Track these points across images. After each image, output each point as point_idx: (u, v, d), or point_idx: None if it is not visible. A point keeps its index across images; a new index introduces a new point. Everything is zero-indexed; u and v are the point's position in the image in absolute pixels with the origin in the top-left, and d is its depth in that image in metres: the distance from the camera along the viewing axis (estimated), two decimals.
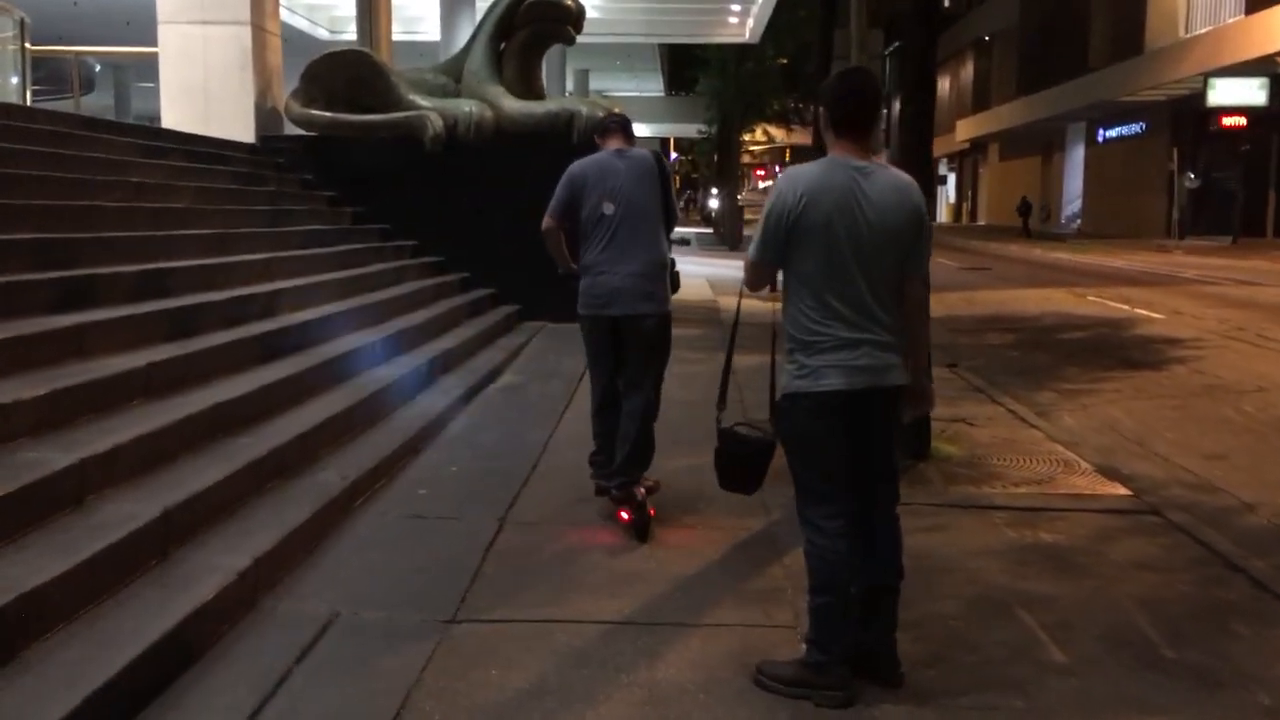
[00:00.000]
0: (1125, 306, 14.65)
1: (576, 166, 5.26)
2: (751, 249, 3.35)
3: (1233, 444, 7.21)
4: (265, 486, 4.91)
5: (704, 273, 19.50)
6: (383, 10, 16.56)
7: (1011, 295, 16.92)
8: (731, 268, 22.39)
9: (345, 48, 13.40)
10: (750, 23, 24.19)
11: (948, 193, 61.74)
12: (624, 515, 5.11)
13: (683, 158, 68.54)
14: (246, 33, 12.02)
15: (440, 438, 6.77)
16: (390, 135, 12.11)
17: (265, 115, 12.36)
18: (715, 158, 41.79)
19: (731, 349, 3.90)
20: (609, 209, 5.10)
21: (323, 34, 24.33)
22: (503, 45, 12.70)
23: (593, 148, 5.47)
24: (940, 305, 15.76)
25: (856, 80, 3.33)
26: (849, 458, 3.32)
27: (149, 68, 15.58)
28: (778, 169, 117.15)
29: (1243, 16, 30.89)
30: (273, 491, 4.91)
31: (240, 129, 12.02)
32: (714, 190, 46.61)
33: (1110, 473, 6.23)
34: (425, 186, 12.21)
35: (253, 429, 5.34)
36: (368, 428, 6.37)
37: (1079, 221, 44.87)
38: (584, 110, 12.07)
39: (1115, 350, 11.13)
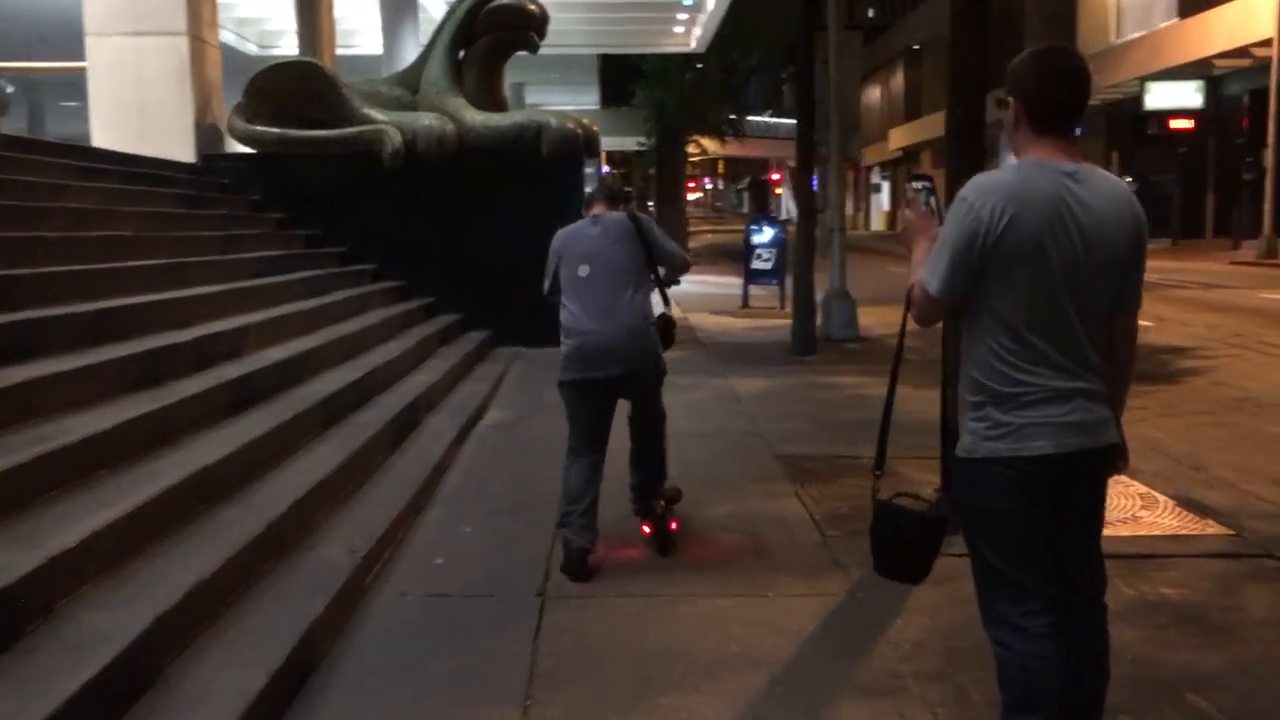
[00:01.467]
0: None
1: (556, 236, 5.23)
2: (930, 278, 2.66)
3: None
4: (263, 569, 4.11)
5: None
6: (324, 21, 15.68)
7: None
8: (692, 281, 21.69)
9: (292, 58, 12.53)
10: (697, 31, 23.66)
11: (881, 201, 61.94)
12: (646, 529, 5.12)
13: (615, 171, 68.08)
14: (184, 44, 11.12)
15: (442, 490, 5.99)
16: (345, 151, 11.28)
17: (206, 132, 11.45)
18: (653, 170, 41.31)
19: (892, 398, 3.13)
20: (584, 270, 4.99)
21: (251, 49, 23.30)
22: (461, 54, 11.93)
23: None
24: None
25: (1061, 61, 2.66)
26: (1050, 537, 2.65)
27: (70, 86, 14.54)
28: (707, 181, 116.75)
29: (1176, 20, 31.17)
30: (273, 575, 4.11)
31: (179, 148, 11.10)
32: (649, 203, 46.09)
33: (1192, 505, 5.66)
34: (383, 205, 11.41)
35: (241, 497, 4.54)
36: (363, 482, 5.58)
37: None
38: (553, 122, 11.35)
39: None
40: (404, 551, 4.91)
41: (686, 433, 7.40)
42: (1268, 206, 24.72)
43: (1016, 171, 2.62)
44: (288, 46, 21.44)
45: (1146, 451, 7.16)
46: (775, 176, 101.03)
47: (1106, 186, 2.62)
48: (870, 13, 72.92)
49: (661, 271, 5.16)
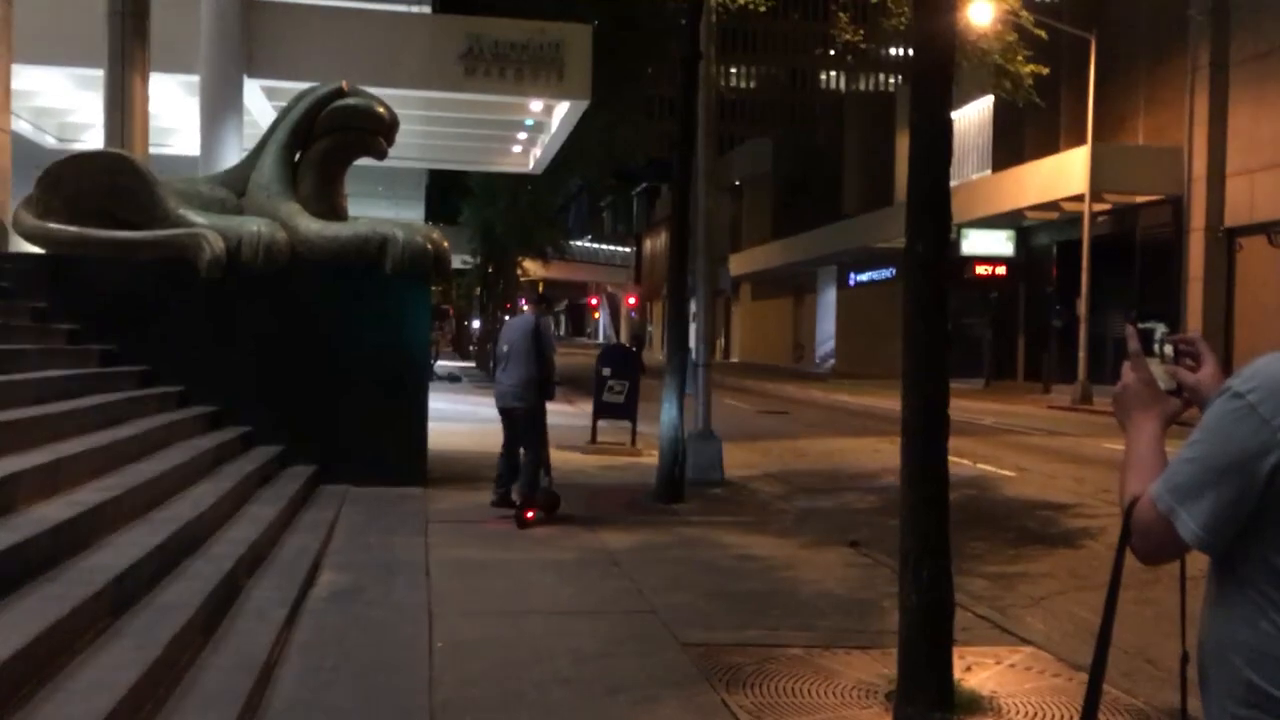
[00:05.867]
0: (966, 461, 13.83)
1: (505, 323, 8.98)
2: (1177, 506, 1.65)
3: None
4: None
5: (471, 412, 17.16)
6: (137, 117, 14.00)
7: (836, 446, 15.95)
8: None
9: (98, 149, 11.02)
10: (536, 152, 23.02)
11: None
12: (528, 515, 8.71)
13: (433, 288, 66.67)
14: None
15: (272, 703, 4.59)
16: (154, 256, 9.81)
17: None
18: (478, 290, 40.31)
19: (1099, 681, 1.99)
20: (504, 348, 9.22)
21: (50, 141, 21.27)
22: (298, 156, 10.70)
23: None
24: (770, 458, 14.57)
25: None
26: None
27: None
28: (522, 303, 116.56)
29: (989, 173, 32.67)
30: None
31: None
32: (475, 324, 45.05)
33: None
34: (196, 319, 9.99)
35: None
36: (165, 700, 4.18)
37: (833, 361, 45.98)
38: (400, 235, 10.21)
39: (1002, 519, 10.07)
40: None
41: (568, 610, 6.24)
42: (1082, 354, 25.53)
43: None
44: (92, 141, 19.61)
45: (1083, 634, 6.40)
46: (593, 301, 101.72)
47: None
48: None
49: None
